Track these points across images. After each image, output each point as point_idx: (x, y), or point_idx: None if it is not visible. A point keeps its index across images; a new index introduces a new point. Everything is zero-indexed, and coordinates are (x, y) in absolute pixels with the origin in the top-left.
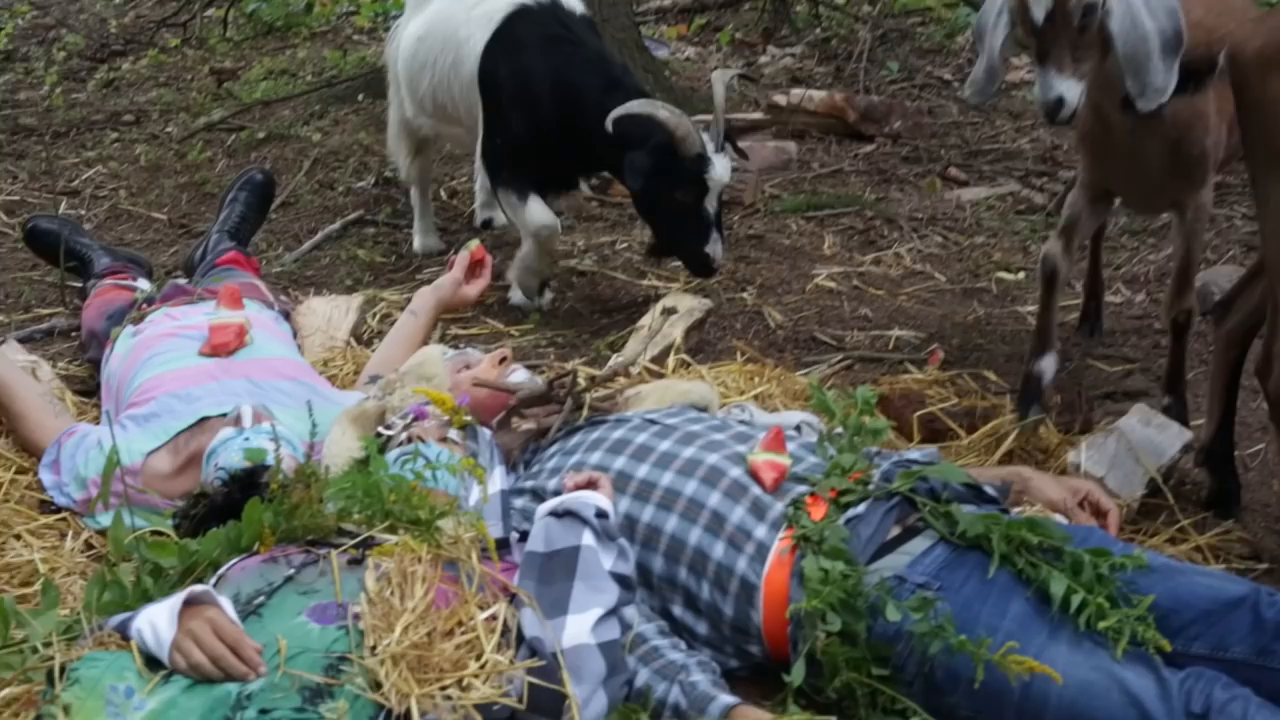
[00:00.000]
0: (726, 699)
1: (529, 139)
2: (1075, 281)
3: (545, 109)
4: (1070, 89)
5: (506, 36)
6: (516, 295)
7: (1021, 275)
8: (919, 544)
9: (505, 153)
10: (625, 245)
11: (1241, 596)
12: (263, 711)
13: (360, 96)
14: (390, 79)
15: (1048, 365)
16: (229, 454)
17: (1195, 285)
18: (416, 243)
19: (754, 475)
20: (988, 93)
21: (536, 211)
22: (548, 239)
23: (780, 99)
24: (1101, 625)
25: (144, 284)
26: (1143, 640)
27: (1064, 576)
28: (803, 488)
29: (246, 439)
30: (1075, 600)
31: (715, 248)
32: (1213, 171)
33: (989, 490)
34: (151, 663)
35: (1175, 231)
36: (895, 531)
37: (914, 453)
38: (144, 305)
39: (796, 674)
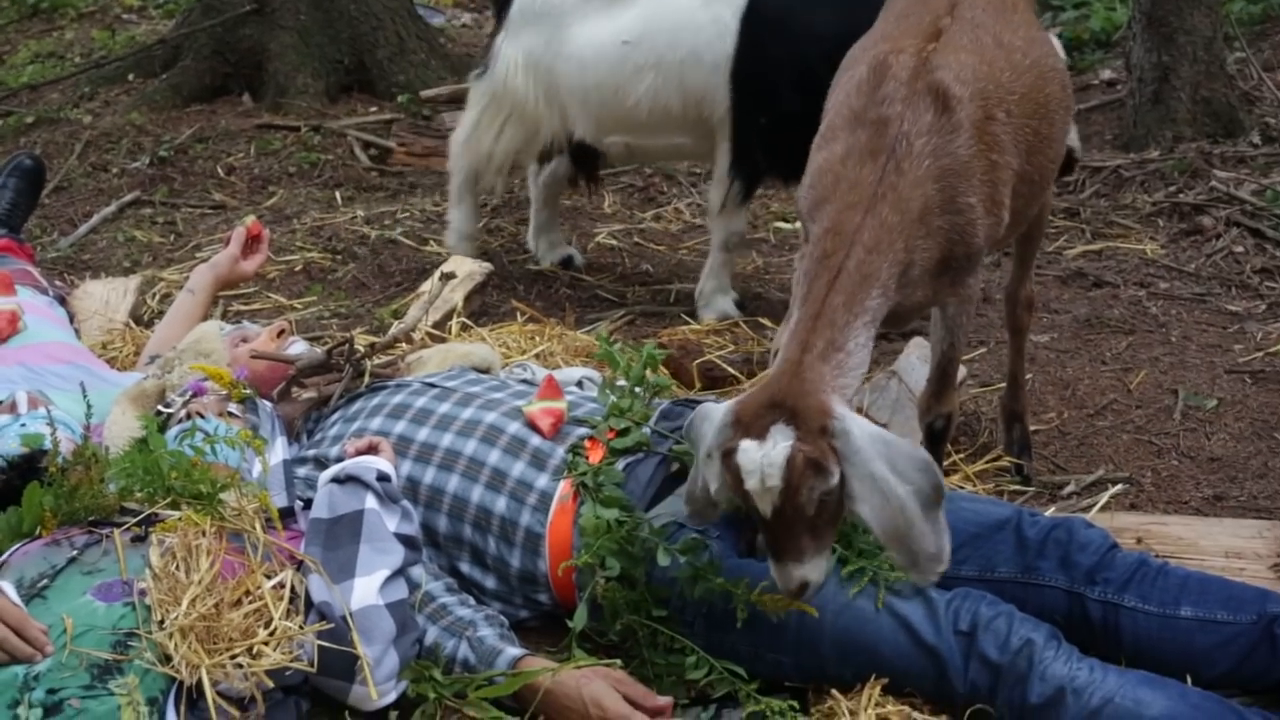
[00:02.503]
0: (513, 651)
1: (803, 110)
2: None
3: (824, 69)
4: (815, 569)
5: (763, 5)
6: (711, 312)
7: (798, 224)
8: None
9: (769, 135)
10: (406, 214)
11: (1005, 519)
12: (50, 691)
13: (131, 76)
14: (500, 102)
15: None
16: (5, 440)
17: (956, 385)
18: (543, 251)
19: (531, 425)
20: (709, 518)
21: (741, 218)
22: (736, 247)
23: None
24: (845, 572)
25: None
26: (889, 584)
27: None
28: (583, 430)
29: (23, 425)
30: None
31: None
32: (982, 258)
33: None
34: None
35: (935, 324)
36: (675, 467)
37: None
38: None
39: (579, 619)
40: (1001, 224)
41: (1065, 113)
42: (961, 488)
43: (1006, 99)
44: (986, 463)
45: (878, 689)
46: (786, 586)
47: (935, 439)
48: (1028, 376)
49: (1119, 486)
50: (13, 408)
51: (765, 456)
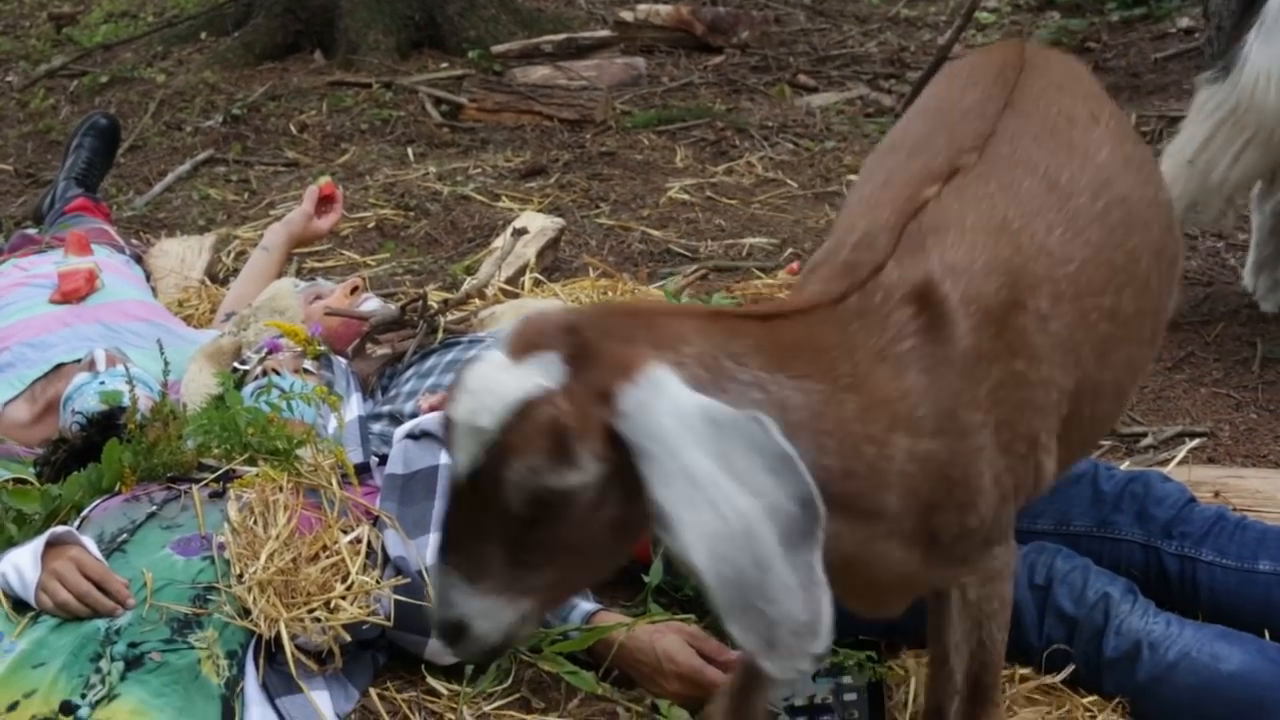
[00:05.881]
0: (587, 605)
1: None
2: None
3: None
4: (487, 613)
5: None
6: None
7: None
8: None
9: None
10: (479, 170)
11: (1081, 472)
12: (132, 645)
13: (203, 35)
14: (1243, 119)
15: None
16: (85, 398)
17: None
18: (1263, 290)
19: None
20: None
21: None
22: None
23: (627, 15)
24: None
25: None
26: None
27: None
28: None
29: (101, 382)
30: None
31: None
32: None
33: None
34: (19, 606)
35: (952, 618)
36: None
37: None
38: None
39: (654, 574)
40: (1042, 472)
41: (1169, 268)
42: None
43: (1054, 274)
44: None
45: None
46: (437, 617)
47: None
48: None
49: (1197, 440)
50: (91, 365)
51: (491, 380)
